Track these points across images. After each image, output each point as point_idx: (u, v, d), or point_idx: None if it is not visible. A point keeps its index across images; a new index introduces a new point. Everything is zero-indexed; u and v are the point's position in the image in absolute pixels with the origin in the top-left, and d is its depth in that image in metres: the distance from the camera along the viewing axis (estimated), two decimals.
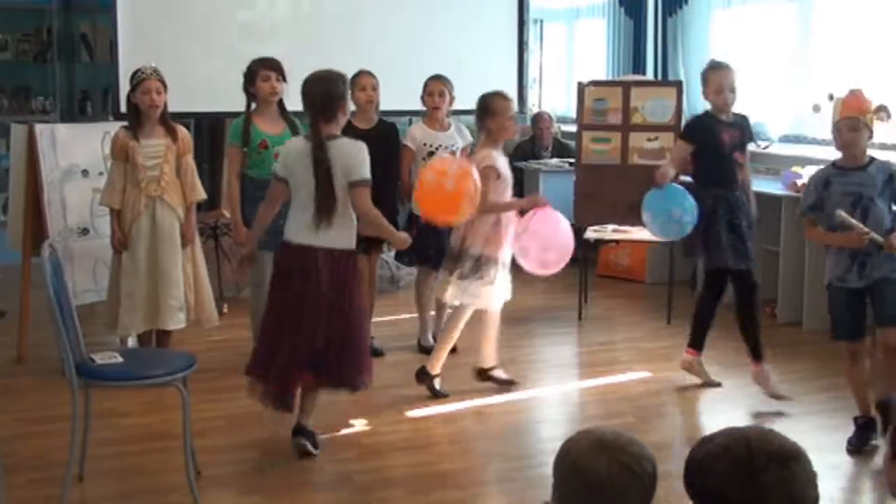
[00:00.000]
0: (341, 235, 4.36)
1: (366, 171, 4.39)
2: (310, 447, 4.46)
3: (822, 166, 6.55)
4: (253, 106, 5.57)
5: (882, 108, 4.60)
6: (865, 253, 4.48)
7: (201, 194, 5.64)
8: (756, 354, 5.29)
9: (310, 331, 4.29)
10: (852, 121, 4.55)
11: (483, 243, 5.16)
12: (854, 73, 6.89)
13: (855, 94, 4.61)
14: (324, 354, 4.32)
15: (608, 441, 1.93)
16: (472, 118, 9.04)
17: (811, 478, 1.84)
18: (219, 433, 4.76)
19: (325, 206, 4.28)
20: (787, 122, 7.57)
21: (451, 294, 5.27)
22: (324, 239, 4.31)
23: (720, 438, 1.90)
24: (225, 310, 6.77)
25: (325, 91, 4.40)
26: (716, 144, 5.31)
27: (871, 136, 4.64)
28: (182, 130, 5.53)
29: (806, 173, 6.67)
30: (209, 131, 8.43)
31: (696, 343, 5.48)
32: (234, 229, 5.65)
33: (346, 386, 4.45)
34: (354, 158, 4.37)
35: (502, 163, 5.27)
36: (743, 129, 5.47)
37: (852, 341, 4.57)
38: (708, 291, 5.46)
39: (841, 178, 4.61)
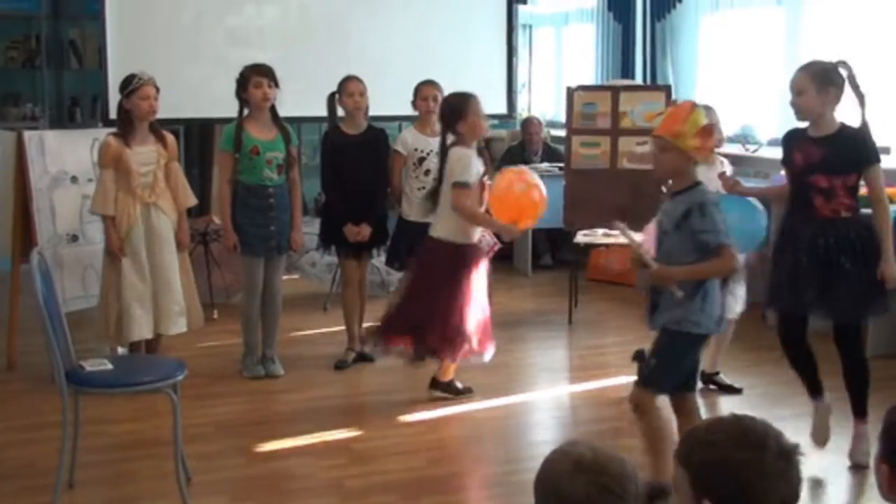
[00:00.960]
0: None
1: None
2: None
3: None
4: (245, 112, 5.57)
5: (706, 130, 3.84)
6: (657, 291, 3.93)
7: (192, 199, 5.65)
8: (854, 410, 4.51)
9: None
10: (656, 140, 3.92)
11: None
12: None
13: (679, 108, 3.97)
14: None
15: (587, 462, 1.89)
16: None
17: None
18: (209, 439, 4.75)
19: None
20: (776, 125, 7.58)
21: None
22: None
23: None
24: (215, 315, 6.76)
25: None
26: (788, 162, 4.51)
27: (691, 160, 3.88)
28: (169, 137, 5.53)
29: None
30: (199, 137, 8.41)
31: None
32: (225, 235, 5.65)
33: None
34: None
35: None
36: (835, 148, 4.30)
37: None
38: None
39: (664, 206, 4.02)
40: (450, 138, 5.18)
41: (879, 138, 6.39)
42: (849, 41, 6.89)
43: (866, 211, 4.37)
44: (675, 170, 3.90)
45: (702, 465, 1.90)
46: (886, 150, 6.38)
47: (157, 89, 5.38)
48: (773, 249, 4.58)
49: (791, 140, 4.47)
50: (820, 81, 4.27)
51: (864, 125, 4.39)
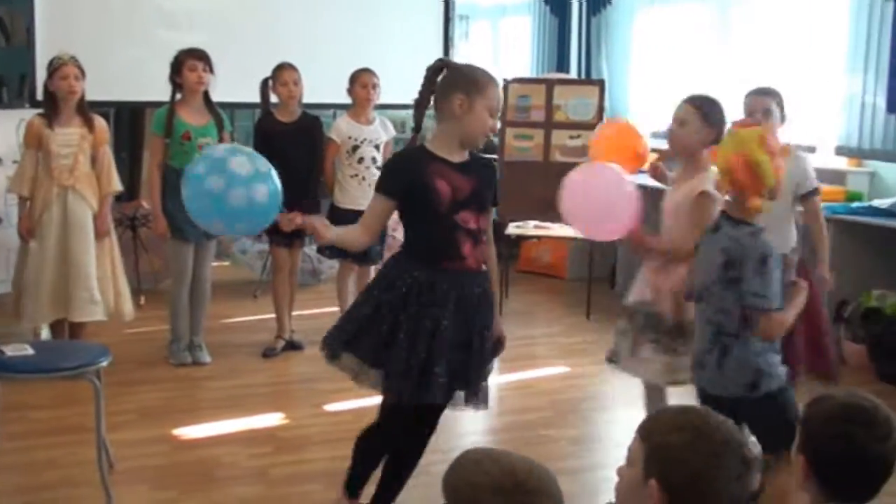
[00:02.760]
0: None
1: None
2: None
3: None
4: (178, 96, 5.50)
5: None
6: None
7: (117, 186, 5.56)
8: None
9: None
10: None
11: None
12: (771, 73, 7.04)
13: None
14: None
15: (505, 484, 1.77)
16: (398, 112, 9.05)
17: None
18: (133, 426, 4.70)
19: None
20: None
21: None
22: None
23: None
24: (142, 302, 6.69)
25: None
26: None
27: None
28: (99, 121, 5.45)
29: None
30: (129, 120, 8.29)
31: None
32: (154, 220, 5.59)
33: None
34: None
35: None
36: None
37: None
38: None
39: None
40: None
41: (805, 137, 6.55)
42: (776, 38, 7.01)
43: None
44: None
45: (660, 447, 1.90)
46: (812, 149, 6.51)
47: (81, 70, 5.29)
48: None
49: None
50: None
51: None
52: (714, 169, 3.71)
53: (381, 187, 3.42)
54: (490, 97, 3.36)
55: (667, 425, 1.92)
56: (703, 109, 3.94)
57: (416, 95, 3.46)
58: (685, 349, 3.76)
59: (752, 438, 3.11)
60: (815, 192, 4.57)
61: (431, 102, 3.45)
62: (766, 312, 3.19)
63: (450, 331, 3.33)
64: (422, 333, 3.31)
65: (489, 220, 3.52)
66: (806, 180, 4.51)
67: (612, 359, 4.17)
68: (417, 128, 3.54)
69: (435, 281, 3.34)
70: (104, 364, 3.93)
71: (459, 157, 3.42)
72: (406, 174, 3.37)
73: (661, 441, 1.90)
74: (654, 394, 4.14)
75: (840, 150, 6.53)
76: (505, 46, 10.35)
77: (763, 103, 4.53)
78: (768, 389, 3.31)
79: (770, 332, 3.27)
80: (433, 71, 3.44)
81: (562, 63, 9.10)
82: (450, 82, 3.38)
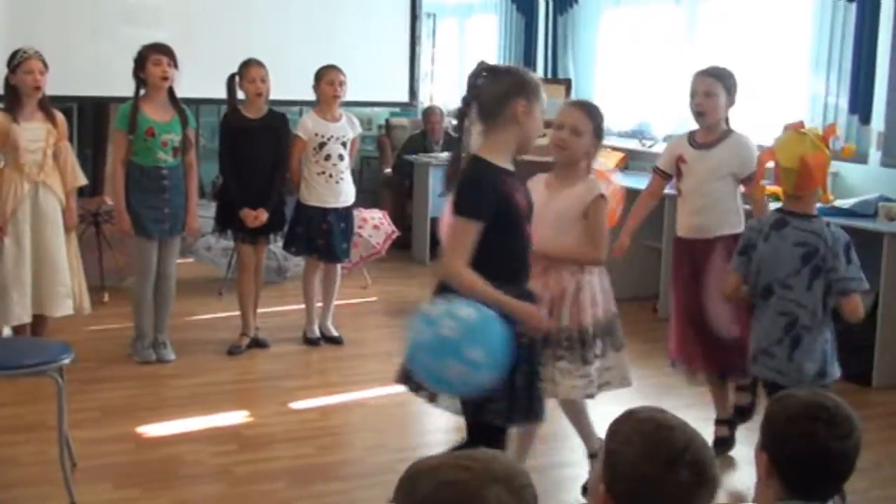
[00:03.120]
0: None
1: None
2: None
3: None
4: (142, 92, 5.46)
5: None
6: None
7: (82, 179, 5.52)
8: None
9: None
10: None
11: None
12: (736, 73, 7.09)
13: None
14: None
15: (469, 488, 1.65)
16: (365, 110, 9.03)
17: None
18: (96, 424, 4.66)
19: None
20: (672, 121, 7.72)
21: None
22: None
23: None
24: (106, 299, 6.64)
25: None
26: None
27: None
28: (60, 115, 5.40)
29: None
30: (93, 116, 8.22)
31: None
32: (118, 216, 5.54)
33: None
34: None
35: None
36: None
37: None
38: None
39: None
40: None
41: (769, 136, 6.61)
42: (741, 39, 7.07)
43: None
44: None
45: (612, 454, 1.87)
46: None
47: (45, 64, 5.24)
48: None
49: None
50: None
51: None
52: (593, 176, 3.82)
53: (472, 212, 3.03)
54: (543, 99, 3.19)
55: (623, 436, 1.87)
56: (597, 122, 3.88)
57: (457, 104, 3.18)
58: (592, 354, 3.78)
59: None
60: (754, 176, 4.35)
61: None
62: (862, 293, 3.51)
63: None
64: (522, 354, 3.07)
65: None
66: (750, 162, 4.35)
67: None
68: (460, 139, 3.21)
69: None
70: (67, 361, 3.89)
71: (511, 166, 3.18)
72: (492, 193, 3.05)
73: (613, 450, 1.86)
74: (571, 407, 4.04)
75: None
76: (471, 45, 10.36)
77: (705, 84, 4.46)
78: (833, 376, 3.65)
79: (858, 312, 3.59)
80: (477, 76, 3.15)
81: (528, 62, 9.11)
82: (507, 87, 3.12)
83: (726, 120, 4.54)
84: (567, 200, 3.80)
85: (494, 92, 3.12)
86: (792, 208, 3.68)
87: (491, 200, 3.05)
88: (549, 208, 3.74)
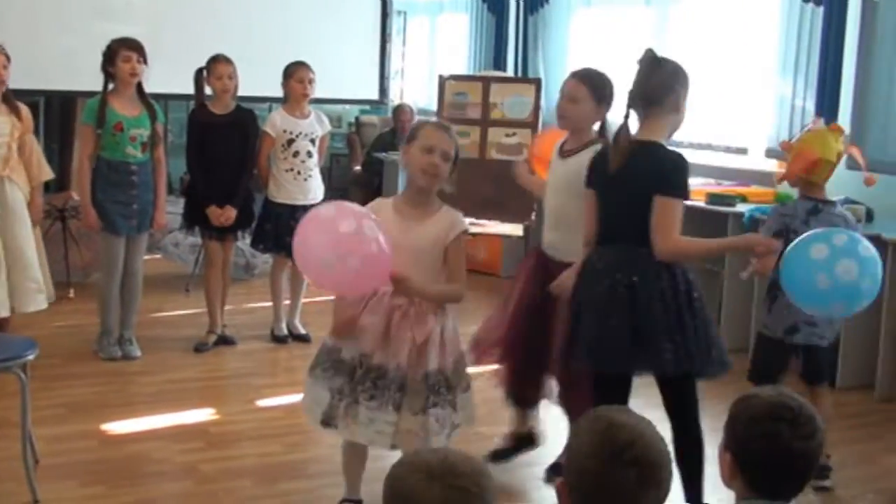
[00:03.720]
0: None
1: None
2: None
3: None
4: (110, 86, 5.42)
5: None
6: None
7: (48, 173, 5.49)
8: None
9: None
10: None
11: None
12: (704, 74, 7.13)
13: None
14: None
15: (437, 468, 1.77)
16: (335, 107, 9.00)
17: None
18: (60, 421, 4.62)
19: None
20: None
21: None
22: None
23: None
24: (71, 294, 6.59)
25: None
26: None
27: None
28: (24, 108, 5.35)
29: None
30: (60, 110, 8.15)
31: None
32: (84, 212, 5.50)
33: None
34: None
35: None
36: None
37: None
38: None
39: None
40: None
41: (737, 139, 6.65)
42: (710, 41, 7.11)
43: None
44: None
45: (569, 448, 1.99)
46: (744, 151, 6.61)
47: (8, 57, 5.19)
48: None
49: None
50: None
51: None
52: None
53: (684, 192, 3.36)
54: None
55: (579, 429, 1.97)
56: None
57: (629, 88, 3.46)
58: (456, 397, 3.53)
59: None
60: None
61: None
62: None
63: None
64: None
65: None
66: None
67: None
68: (626, 126, 3.44)
69: None
70: (31, 357, 3.85)
71: None
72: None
73: (569, 442, 1.99)
74: None
75: (770, 153, 6.63)
76: (442, 43, 10.37)
77: (570, 87, 4.09)
78: None
79: None
80: (650, 63, 3.46)
81: (498, 61, 9.13)
82: (675, 75, 3.45)
83: (602, 128, 4.08)
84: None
85: (662, 80, 3.42)
86: (817, 196, 4.25)
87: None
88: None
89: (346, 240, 3.12)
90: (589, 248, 3.53)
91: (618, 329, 3.35)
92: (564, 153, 4.03)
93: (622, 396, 3.48)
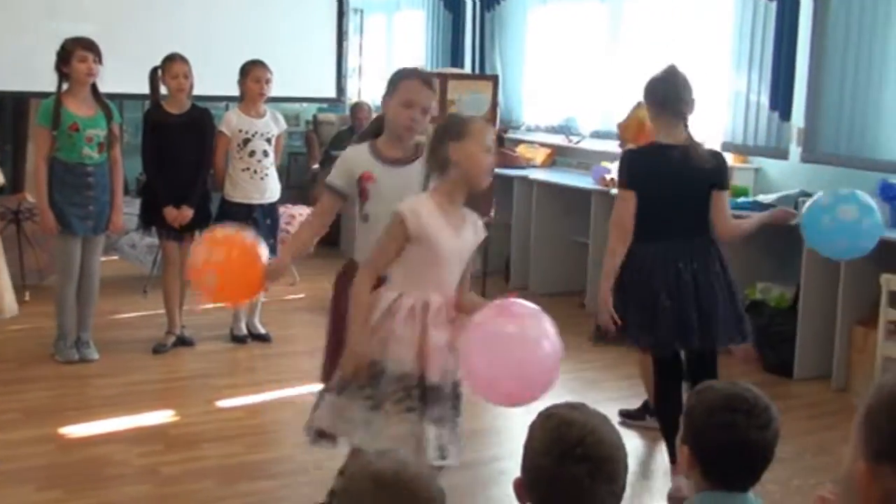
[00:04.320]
0: None
1: None
2: None
3: None
4: (64, 86, 5.36)
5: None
6: None
7: (1, 178, 5.41)
8: None
9: None
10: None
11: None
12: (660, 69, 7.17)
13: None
14: None
15: (387, 477, 1.73)
16: (291, 106, 8.95)
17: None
18: (17, 426, 4.58)
19: None
20: (598, 118, 7.80)
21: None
22: None
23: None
24: (27, 298, 6.52)
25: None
26: None
27: None
28: None
29: (614, 168, 6.90)
30: (13, 111, 8.06)
31: None
32: (42, 215, 5.43)
33: None
34: None
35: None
36: None
37: None
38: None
39: None
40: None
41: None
42: (665, 36, 7.16)
43: None
44: None
45: (524, 447, 2.00)
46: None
47: None
48: None
49: None
50: None
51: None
52: None
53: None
54: None
55: (532, 427, 2.01)
56: None
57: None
58: None
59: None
60: None
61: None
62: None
63: None
64: None
65: None
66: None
67: None
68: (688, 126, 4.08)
69: None
70: None
71: None
72: None
73: (525, 441, 1.99)
74: None
75: (725, 147, 6.67)
76: (399, 40, 10.35)
77: (429, 98, 3.55)
78: None
79: None
80: (677, 74, 4.13)
81: (456, 58, 9.14)
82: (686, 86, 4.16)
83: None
84: (470, 241, 3.28)
85: (686, 86, 4.14)
86: None
87: None
88: (457, 246, 3.21)
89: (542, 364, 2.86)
90: (625, 245, 3.93)
91: (688, 311, 3.87)
92: (392, 161, 3.53)
93: (680, 371, 4.10)
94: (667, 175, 3.92)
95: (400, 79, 3.52)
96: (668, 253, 3.92)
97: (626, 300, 3.95)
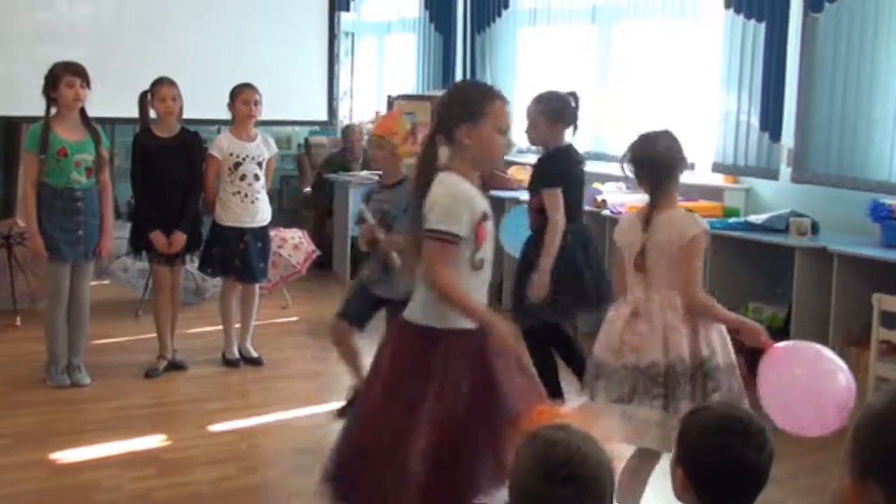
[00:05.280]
0: None
1: None
2: None
3: (619, 183, 6.83)
4: (53, 111, 5.35)
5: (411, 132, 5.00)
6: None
7: None
8: None
9: None
10: (375, 139, 4.92)
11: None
12: (650, 90, 7.21)
13: (389, 115, 4.82)
14: None
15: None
16: (283, 129, 8.95)
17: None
18: (7, 451, 4.55)
19: None
20: (589, 139, 7.81)
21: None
22: None
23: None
24: (18, 322, 6.50)
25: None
26: None
27: (396, 156, 4.77)
28: None
29: (605, 189, 6.91)
30: (3, 135, 8.06)
31: None
32: (31, 240, 5.41)
33: None
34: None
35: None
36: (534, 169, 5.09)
37: None
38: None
39: (376, 195, 4.82)
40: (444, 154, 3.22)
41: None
42: (656, 59, 7.18)
43: None
44: (392, 165, 4.79)
45: (511, 468, 2.01)
46: (691, 167, 6.64)
47: None
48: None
49: None
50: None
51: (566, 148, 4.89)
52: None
53: None
54: None
55: (519, 448, 2.01)
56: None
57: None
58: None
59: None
60: None
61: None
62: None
63: None
64: None
65: None
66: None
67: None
68: None
69: None
70: None
71: None
72: None
73: (512, 462, 2.00)
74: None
75: (716, 167, 6.71)
76: (390, 63, 10.38)
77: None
78: None
79: None
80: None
81: (447, 80, 9.15)
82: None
83: None
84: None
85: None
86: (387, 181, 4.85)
87: None
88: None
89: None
90: None
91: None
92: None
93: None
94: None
95: (487, 100, 3.15)
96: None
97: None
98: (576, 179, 4.88)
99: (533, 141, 5.00)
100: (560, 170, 4.79)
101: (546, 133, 4.85)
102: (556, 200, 4.68)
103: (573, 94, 4.87)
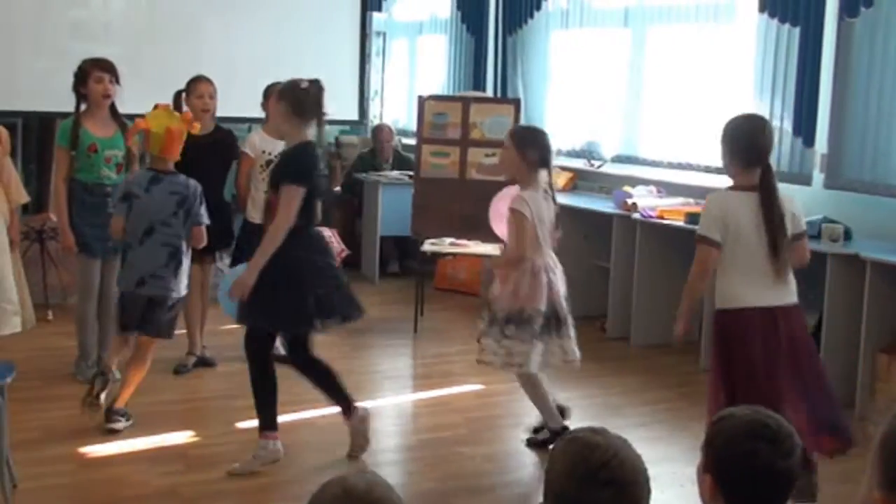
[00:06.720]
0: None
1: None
2: None
3: (650, 187, 6.81)
4: (83, 107, 5.39)
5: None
6: None
7: (24, 196, 5.44)
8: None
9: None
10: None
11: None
12: (682, 96, 7.18)
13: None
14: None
15: (358, 493, 1.75)
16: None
17: None
18: (38, 444, 4.59)
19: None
20: (619, 142, 7.80)
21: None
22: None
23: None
24: (50, 317, 6.55)
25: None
26: None
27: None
28: (3, 131, 5.31)
29: (636, 193, 6.89)
30: (38, 131, 8.12)
31: None
32: (62, 234, 5.47)
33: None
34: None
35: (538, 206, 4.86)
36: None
37: None
38: None
39: None
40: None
41: (716, 158, 6.65)
42: (690, 63, 7.15)
43: None
44: None
45: (546, 471, 1.99)
46: (723, 170, 6.60)
47: None
48: None
49: None
50: None
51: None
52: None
53: None
54: None
55: (554, 451, 2.00)
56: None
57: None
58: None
59: None
60: None
61: None
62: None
63: None
64: None
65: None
66: None
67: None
68: None
69: None
70: (9, 380, 3.84)
71: None
72: None
73: (548, 465, 1.98)
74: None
75: None
76: (422, 64, 10.39)
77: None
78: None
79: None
80: None
81: (478, 81, 9.16)
82: None
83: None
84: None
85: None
86: (161, 168, 4.83)
87: None
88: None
89: None
90: None
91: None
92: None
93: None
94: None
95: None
96: None
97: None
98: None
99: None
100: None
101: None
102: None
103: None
